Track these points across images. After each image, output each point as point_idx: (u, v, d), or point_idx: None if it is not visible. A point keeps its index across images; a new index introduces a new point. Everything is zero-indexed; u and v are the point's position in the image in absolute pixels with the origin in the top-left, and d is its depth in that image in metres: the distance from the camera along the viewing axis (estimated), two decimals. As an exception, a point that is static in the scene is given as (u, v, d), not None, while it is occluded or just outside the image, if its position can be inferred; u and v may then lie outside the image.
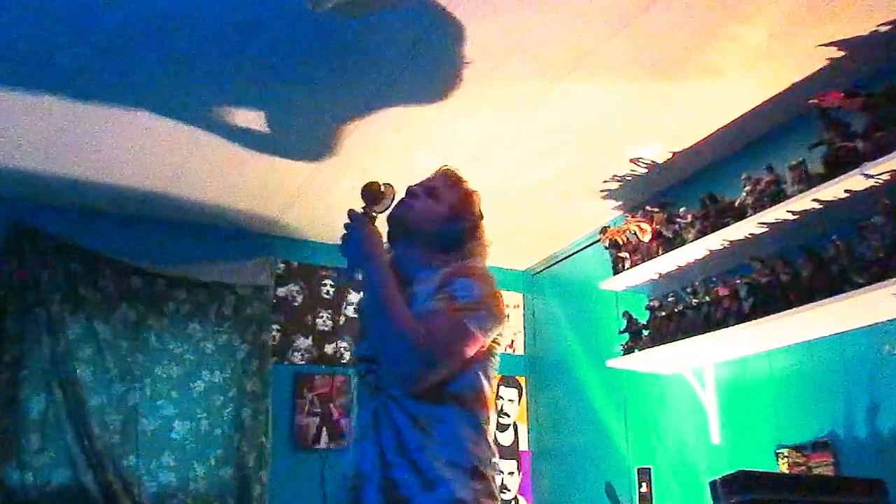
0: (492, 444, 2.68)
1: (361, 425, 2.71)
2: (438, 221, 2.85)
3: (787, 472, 4.21)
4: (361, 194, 2.77)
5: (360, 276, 2.68)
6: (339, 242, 2.70)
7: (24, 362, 5.39)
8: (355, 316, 6.33)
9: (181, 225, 6.18)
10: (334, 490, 2.87)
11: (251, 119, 4.68)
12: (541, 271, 7.02)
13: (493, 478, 2.62)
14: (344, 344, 6.43)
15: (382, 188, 2.78)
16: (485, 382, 2.70)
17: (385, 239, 2.81)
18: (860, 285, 3.65)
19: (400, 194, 2.90)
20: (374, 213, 2.78)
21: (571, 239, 6.52)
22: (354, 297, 6.49)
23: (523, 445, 6.84)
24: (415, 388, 2.54)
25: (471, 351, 2.60)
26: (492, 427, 2.71)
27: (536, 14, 3.73)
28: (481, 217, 2.97)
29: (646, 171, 5.26)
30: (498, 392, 6.83)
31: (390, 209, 2.84)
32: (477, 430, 2.63)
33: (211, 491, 5.69)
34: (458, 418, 2.59)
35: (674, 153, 5.04)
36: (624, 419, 5.69)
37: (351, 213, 2.74)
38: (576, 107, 4.54)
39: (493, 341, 2.73)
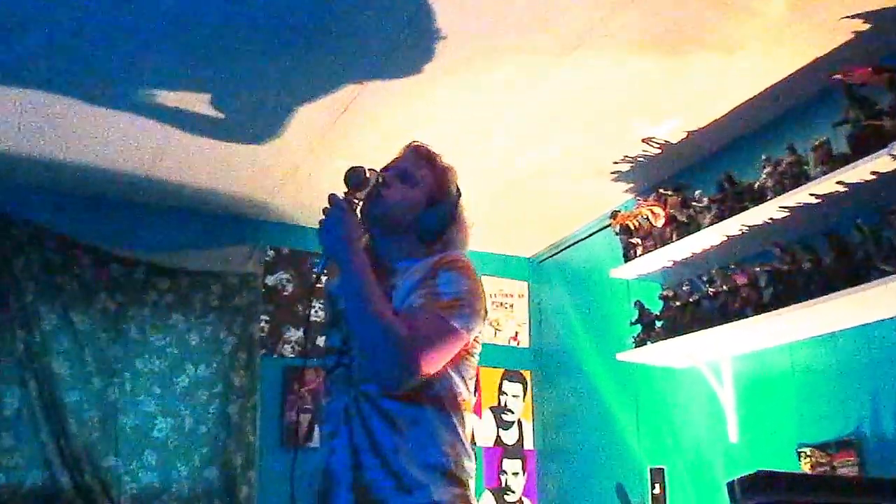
0: (469, 448, 2.67)
1: (332, 421, 2.70)
2: (415, 209, 2.81)
3: (809, 472, 4.21)
4: (345, 179, 2.75)
5: (332, 265, 2.69)
6: (317, 227, 2.67)
7: (-3, 356, 5.40)
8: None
9: (163, 210, 6.18)
10: (302, 491, 2.86)
11: (238, 97, 4.68)
12: (547, 259, 7.02)
13: (470, 483, 2.62)
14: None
15: (367, 173, 2.76)
16: (462, 384, 2.70)
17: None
18: (887, 273, 3.64)
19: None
20: (356, 200, 2.76)
21: (579, 224, 6.51)
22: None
23: (528, 444, 6.84)
24: (395, 390, 2.53)
25: (455, 351, 2.60)
26: (468, 430, 2.70)
27: (541, -16, 3.73)
28: (459, 195, 2.94)
29: (659, 151, 5.26)
30: (501, 387, 6.83)
31: (364, 200, 2.80)
32: (454, 433, 2.62)
33: (195, 492, 5.69)
34: (434, 420, 2.59)
35: (689, 132, 5.03)
36: (635, 416, 5.69)
37: (332, 198, 2.71)
38: (584, 83, 4.53)
39: (475, 339, 2.73)
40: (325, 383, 2.80)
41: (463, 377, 2.70)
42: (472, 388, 2.76)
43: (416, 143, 2.98)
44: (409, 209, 2.81)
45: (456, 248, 2.85)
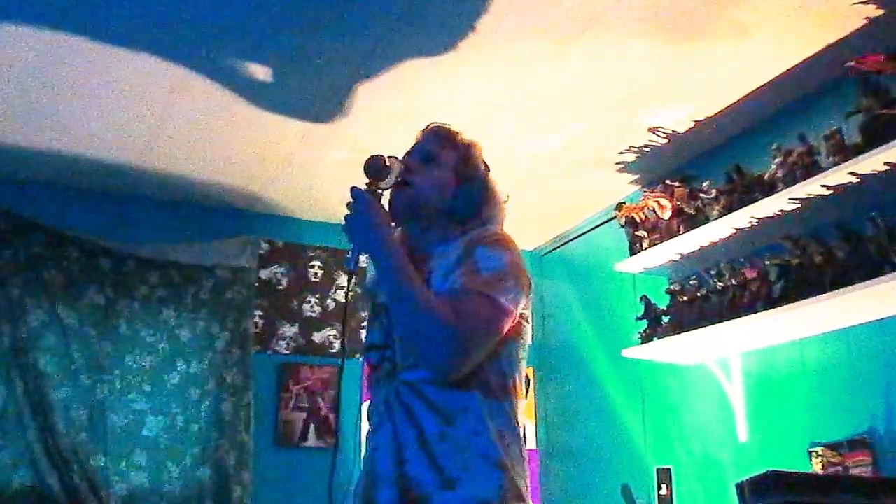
0: (521, 436, 2.61)
1: (375, 418, 2.67)
2: (445, 190, 2.79)
3: (821, 472, 4.21)
4: (365, 169, 2.71)
5: (365, 261, 2.66)
6: (343, 224, 2.62)
7: (-19, 352, 5.39)
8: (343, 301, 6.31)
9: (154, 201, 6.19)
10: (345, 492, 2.82)
11: (231, 84, 4.67)
12: (550, 252, 7.02)
13: (521, 475, 2.54)
14: (333, 332, 6.43)
15: (388, 161, 2.73)
16: (512, 366, 2.64)
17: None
18: (902, 267, 3.65)
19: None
20: (379, 190, 2.72)
21: (583, 216, 6.52)
22: (344, 280, 6.48)
23: (531, 444, 6.82)
24: (452, 377, 2.48)
25: (506, 328, 2.55)
26: (520, 417, 2.64)
27: (545, -33, 3.72)
28: (488, 169, 2.92)
29: (665, 141, 5.26)
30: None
31: (391, 191, 2.77)
32: (505, 421, 2.56)
33: (187, 493, 5.69)
34: (484, 407, 2.52)
35: (696, 121, 5.03)
36: (642, 415, 5.69)
37: (354, 191, 2.66)
38: (588, 69, 4.52)
39: (521, 316, 2.66)
40: (371, 380, 2.77)
41: (513, 358, 2.64)
42: (523, 371, 2.70)
43: (433, 125, 2.95)
44: (440, 192, 2.79)
45: (493, 224, 2.83)
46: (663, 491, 5.32)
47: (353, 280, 2.82)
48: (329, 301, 6.52)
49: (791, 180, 4.20)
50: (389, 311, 2.67)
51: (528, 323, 2.73)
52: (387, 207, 2.75)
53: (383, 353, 2.70)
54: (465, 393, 2.51)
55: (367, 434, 2.72)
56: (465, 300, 2.47)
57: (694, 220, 4.83)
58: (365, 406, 2.76)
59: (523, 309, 2.66)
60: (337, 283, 6.53)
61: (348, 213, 2.64)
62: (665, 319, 5.07)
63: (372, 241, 2.60)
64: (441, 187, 2.80)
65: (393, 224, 2.72)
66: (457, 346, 2.43)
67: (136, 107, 4.88)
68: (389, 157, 2.74)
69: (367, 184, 2.70)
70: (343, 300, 6.44)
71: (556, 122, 5.08)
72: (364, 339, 2.94)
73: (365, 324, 2.90)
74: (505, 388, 2.60)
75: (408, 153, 2.88)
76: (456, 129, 2.95)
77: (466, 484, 2.42)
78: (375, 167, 2.71)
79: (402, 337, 2.61)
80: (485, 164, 2.93)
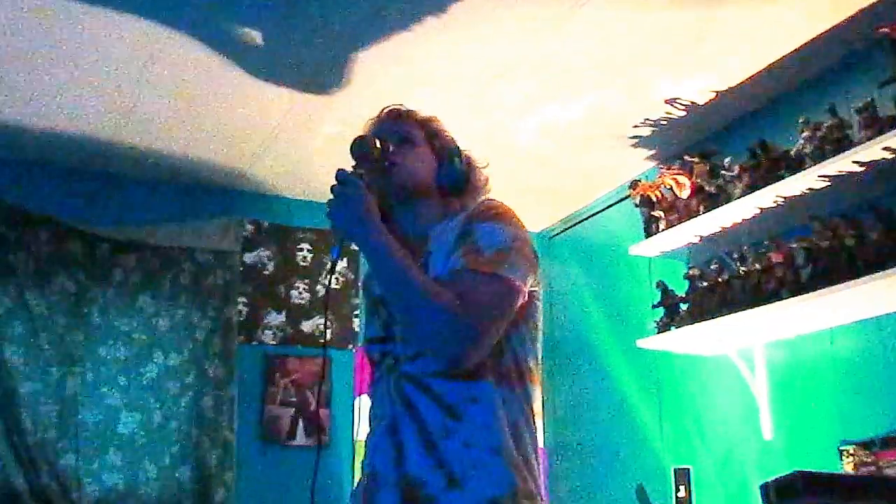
0: (535, 428, 2.63)
1: (375, 416, 2.69)
2: (431, 167, 2.87)
3: (852, 472, 4.22)
4: (351, 151, 2.73)
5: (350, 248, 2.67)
6: (327, 209, 2.60)
7: (-57, 343, 5.40)
8: (326, 292, 6.32)
9: (129, 179, 6.19)
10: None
11: (213, 52, 4.66)
12: (558, 234, 7.03)
13: (534, 471, 2.56)
14: (324, 320, 6.43)
15: (378, 143, 2.75)
16: (525, 349, 2.65)
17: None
18: (939, 250, 3.65)
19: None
20: (364, 174, 2.71)
21: (595, 195, 6.53)
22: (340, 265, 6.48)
23: (538, 441, 6.83)
24: (464, 366, 2.48)
25: (516, 306, 2.55)
26: (536, 406, 2.65)
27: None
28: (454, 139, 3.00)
29: (684, 113, 5.25)
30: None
31: (378, 175, 2.77)
32: (520, 410, 2.58)
33: (165, 495, 5.71)
34: (496, 396, 2.52)
35: (717, 92, 5.02)
36: (658, 410, 5.71)
37: (342, 175, 2.64)
38: (600, 36, 4.51)
39: (531, 295, 2.67)
40: (373, 376, 2.78)
41: (525, 339, 2.65)
42: (539, 354, 2.72)
43: (389, 107, 3.00)
44: (427, 169, 2.85)
45: (482, 189, 2.92)
46: (681, 493, 5.33)
47: (336, 270, 2.84)
48: (319, 287, 6.50)
49: (820, 156, 4.20)
50: (388, 304, 2.69)
51: (539, 301, 2.73)
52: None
53: (383, 347, 2.72)
54: (476, 382, 2.51)
55: (368, 433, 2.73)
56: (468, 282, 2.48)
57: (715, 200, 4.83)
58: (358, 401, 2.78)
59: (533, 287, 2.66)
60: (327, 266, 6.51)
61: (334, 198, 2.61)
62: (683, 307, 5.08)
63: (363, 229, 2.58)
64: (427, 164, 2.87)
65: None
66: (466, 333, 2.43)
67: (110, 77, 4.87)
68: (376, 138, 2.76)
69: (353, 167, 2.70)
70: (335, 286, 6.45)
71: (565, 93, 5.08)
72: (363, 334, 2.96)
73: (357, 312, 2.92)
74: (520, 373, 2.61)
75: (382, 140, 2.84)
76: (410, 107, 3.00)
77: (474, 482, 2.42)
78: (364, 149, 2.72)
79: (404, 328, 2.63)
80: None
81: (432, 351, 2.52)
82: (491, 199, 2.79)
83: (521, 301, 2.57)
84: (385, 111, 2.98)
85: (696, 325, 4.85)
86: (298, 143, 5.65)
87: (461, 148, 2.93)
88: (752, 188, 4.57)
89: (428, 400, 2.53)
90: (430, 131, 2.93)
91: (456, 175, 2.85)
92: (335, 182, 2.62)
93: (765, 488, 3.37)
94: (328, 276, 2.81)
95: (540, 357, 2.73)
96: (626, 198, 5.65)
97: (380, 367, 2.73)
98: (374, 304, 2.81)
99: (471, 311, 2.43)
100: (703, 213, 4.87)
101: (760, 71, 4.78)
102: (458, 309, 2.42)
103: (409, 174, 2.80)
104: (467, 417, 2.49)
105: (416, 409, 2.54)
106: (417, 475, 2.47)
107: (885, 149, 3.90)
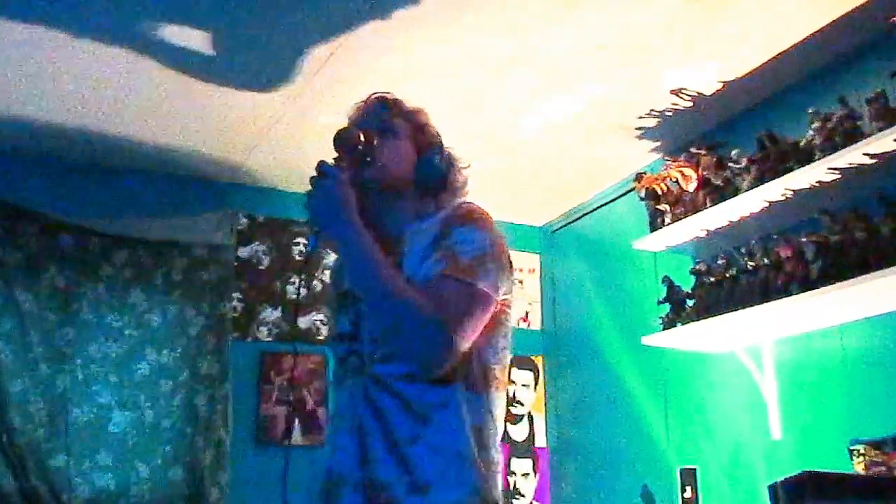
0: (499, 434, 2.67)
1: (339, 415, 2.72)
2: (410, 161, 2.87)
3: (863, 473, 4.22)
4: (334, 143, 2.74)
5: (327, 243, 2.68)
6: (307, 202, 2.63)
7: (-71, 340, 5.40)
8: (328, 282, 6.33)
9: (121, 171, 6.18)
10: (306, 496, 2.85)
11: (207, 41, 4.66)
12: (561, 228, 7.03)
13: (495, 477, 2.60)
14: (320, 316, 6.44)
15: (361, 135, 2.75)
16: (494, 356, 2.69)
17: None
18: (953, 245, 3.65)
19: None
20: (345, 166, 2.73)
21: (599, 188, 6.52)
22: (332, 257, 6.47)
23: (540, 441, 6.86)
24: (435, 372, 2.52)
25: (488, 316, 2.60)
26: (500, 413, 2.70)
27: None
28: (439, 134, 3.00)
29: (690, 104, 5.25)
30: (509, 375, 6.83)
31: (354, 168, 2.77)
32: (484, 415, 2.62)
33: (157, 495, 5.70)
34: (462, 402, 2.57)
35: (724, 82, 5.02)
36: (664, 409, 5.71)
37: (321, 166, 2.67)
38: (604, 24, 4.50)
39: (503, 302, 2.71)
40: (336, 374, 2.81)
41: (495, 347, 2.70)
42: (506, 362, 2.76)
43: (377, 94, 3.01)
44: (406, 163, 2.85)
45: (460, 191, 2.90)
46: (688, 493, 5.34)
47: (308, 265, 2.86)
48: (315, 282, 6.51)
49: (830, 148, 4.19)
50: (357, 299, 2.71)
51: (510, 309, 2.78)
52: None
53: (350, 344, 2.74)
54: (446, 387, 2.57)
55: (328, 432, 2.75)
56: (444, 289, 2.52)
57: (722, 193, 4.83)
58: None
59: (505, 294, 2.71)
60: (324, 261, 6.51)
61: (313, 189, 2.64)
62: (689, 303, 5.07)
63: (342, 224, 2.61)
64: (405, 158, 2.88)
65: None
66: (442, 339, 2.47)
67: (99, 65, 4.86)
68: (362, 130, 2.76)
69: (335, 159, 2.72)
70: (330, 281, 6.42)
71: (568, 83, 5.07)
72: (329, 330, 2.97)
73: None
74: (486, 379, 2.66)
75: (361, 129, 2.86)
76: (399, 97, 3.00)
77: (438, 487, 2.48)
78: (349, 140, 2.73)
79: (378, 330, 2.66)
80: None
81: (407, 355, 2.56)
82: (469, 203, 2.82)
83: (493, 309, 2.62)
84: (372, 96, 3.00)
85: (703, 321, 4.84)
86: (294, 134, 5.66)
87: (444, 145, 2.93)
88: (760, 181, 4.56)
89: (397, 405, 2.57)
90: (415, 124, 2.94)
91: (434, 172, 2.85)
92: (315, 173, 2.65)
93: (773, 489, 3.37)
94: (301, 274, 2.82)
95: (507, 363, 2.78)
96: (631, 191, 5.65)
97: (344, 364, 2.76)
98: (344, 298, 2.84)
99: (446, 317, 2.48)
100: (710, 206, 4.86)
101: (769, 60, 4.77)
102: (432, 314, 2.46)
103: (388, 168, 2.81)
104: (434, 422, 2.54)
105: (382, 412, 2.58)
106: (382, 478, 2.51)
107: (897, 140, 3.90)
